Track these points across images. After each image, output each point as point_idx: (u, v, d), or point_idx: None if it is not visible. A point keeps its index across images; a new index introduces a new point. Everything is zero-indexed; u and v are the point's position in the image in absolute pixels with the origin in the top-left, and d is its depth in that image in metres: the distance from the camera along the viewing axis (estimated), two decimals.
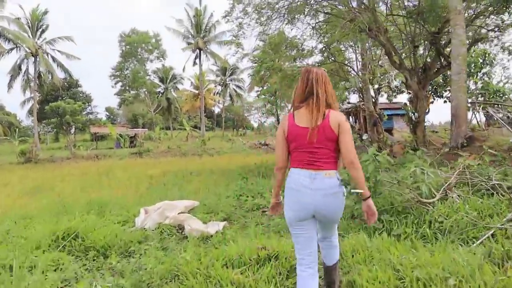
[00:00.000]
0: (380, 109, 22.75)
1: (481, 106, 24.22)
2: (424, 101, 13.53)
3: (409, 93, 36.11)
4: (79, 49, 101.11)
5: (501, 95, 26.20)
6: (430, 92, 21.78)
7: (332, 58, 18.31)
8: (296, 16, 15.28)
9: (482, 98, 26.18)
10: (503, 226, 4.27)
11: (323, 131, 2.68)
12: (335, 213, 2.79)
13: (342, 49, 20.78)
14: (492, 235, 4.15)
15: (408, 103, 14.58)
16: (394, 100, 36.68)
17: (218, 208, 6.23)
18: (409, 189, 5.06)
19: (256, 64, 17.97)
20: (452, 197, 5.18)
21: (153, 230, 5.02)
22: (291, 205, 2.77)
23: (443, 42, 12.68)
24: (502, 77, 30.44)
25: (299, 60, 17.37)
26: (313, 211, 2.73)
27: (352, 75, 22.81)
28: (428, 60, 13.71)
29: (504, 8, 11.25)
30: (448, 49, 12.62)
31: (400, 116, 33.93)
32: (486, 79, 28.30)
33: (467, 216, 4.46)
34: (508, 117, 20.08)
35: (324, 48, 17.45)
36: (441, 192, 5.18)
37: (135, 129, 46.81)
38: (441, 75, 18.43)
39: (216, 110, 73.42)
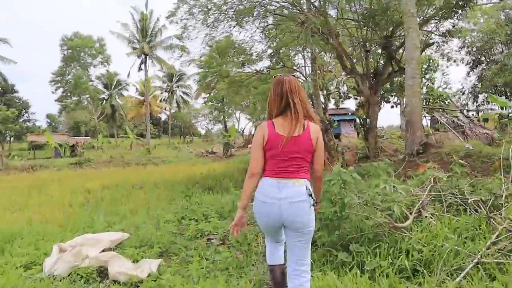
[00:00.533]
0: (329, 115, 22.47)
1: (427, 111, 24.73)
2: (376, 107, 13.17)
3: (356, 98, 36.48)
4: (16, 52, 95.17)
5: (444, 99, 26.79)
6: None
7: (281, 64, 17.72)
8: (245, 19, 14.52)
9: (427, 103, 26.74)
10: (488, 252, 3.67)
11: (304, 142, 2.74)
12: (303, 221, 2.75)
13: (291, 54, 20.32)
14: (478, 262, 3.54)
15: (359, 109, 14.22)
16: (341, 106, 37.00)
17: (154, 238, 5.16)
18: (380, 211, 4.32)
19: (201, 70, 16.96)
20: (426, 217, 4.52)
21: (64, 278, 3.86)
22: (260, 217, 2.84)
23: (394, 47, 12.35)
24: (441, 82, 31.31)
25: (247, 65, 16.60)
26: (281, 220, 2.75)
27: (302, 81, 22.42)
28: (380, 65, 13.37)
29: (453, 13, 11.05)
30: (400, 53, 12.35)
31: (347, 121, 34.17)
32: (430, 84, 29.05)
33: (447, 242, 3.81)
34: (453, 121, 20.45)
35: (273, 53, 16.81)
36: (414, 212, 4.50)
37: (77, 138, 44.13)
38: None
39: (163, 117, 71.45)
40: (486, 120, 23.33)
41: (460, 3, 10.88)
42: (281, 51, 16.99)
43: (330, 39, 11.89)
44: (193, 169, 17.11)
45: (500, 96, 35.93)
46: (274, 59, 17.39)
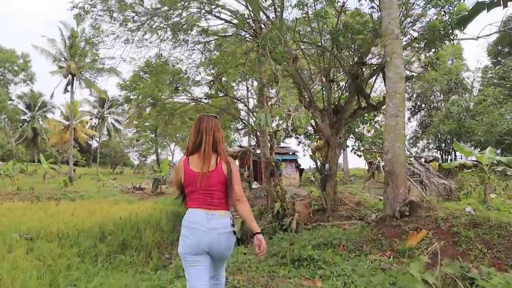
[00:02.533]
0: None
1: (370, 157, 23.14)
2: (337, 149, 10.76)
3: (297, 137, 34.55)
4: None
5: None
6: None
7: (223, 93, 15.07)
8: (182, 37, 11.81)
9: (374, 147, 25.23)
10: None
11: (216, 175, 3.01)
12: (227, 251, 3.06)
13: (233, 85, 17.87)
14: None
15: (315, 151, 11.77)
16: (282, 144, 34.95)
17: None
18: None
19: (124, 92, 13.77)
20: None
21: None
22: (187, 240, 2.99)
23: (363, 77, 10.03)
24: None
25: (181, 91, 13.71)
26: (208, 248, 2.96)
27: (243, 114, 19.89)
28: (342, 99, 11.07)
29: (437, 42, 9.03)
30: (370, 86, 10.12)
31: (288, 161, 32.04)
32: (378, 127, 27.72)
33: None
34: (408, 168, 18.71)
35: (212, 82, 14.16)
36: None
37: None
38: None
39: (95, 144, 65.85)
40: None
41: (442, 33, 8.90)
42: (221, 77, 14.42)
43: (285, 63, 9.42)
44: (113, 210, 13.73)
45: (443, 143, 35.80)
46: (213, 87, 14.76)
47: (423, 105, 40.33)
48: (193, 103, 15.05)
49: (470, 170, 14.25)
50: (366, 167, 41.73)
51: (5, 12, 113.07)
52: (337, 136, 10.67)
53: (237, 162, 28.41)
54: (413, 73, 10.74)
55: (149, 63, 13.10)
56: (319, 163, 11.09)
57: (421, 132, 38.40)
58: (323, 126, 10.37)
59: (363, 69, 9.63)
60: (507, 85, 29.37)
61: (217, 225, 2.94)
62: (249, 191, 18.64)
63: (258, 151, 22.06)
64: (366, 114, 16.68)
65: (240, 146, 22.69)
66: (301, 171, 34.29)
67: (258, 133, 15.36)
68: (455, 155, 35.44)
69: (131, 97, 13.27)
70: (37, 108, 55.73)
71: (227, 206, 3.06)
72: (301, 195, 15.20)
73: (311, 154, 13.44)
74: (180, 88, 13.27)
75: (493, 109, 26.56)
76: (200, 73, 13.89)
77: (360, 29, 8.95)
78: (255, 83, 19.18)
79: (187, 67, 12.98)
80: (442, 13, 8.87)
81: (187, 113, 16.45)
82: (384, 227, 7.35)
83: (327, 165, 10.69)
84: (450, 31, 8.90)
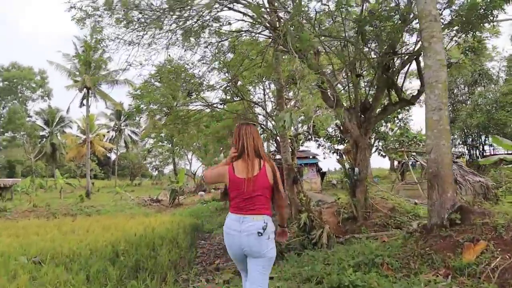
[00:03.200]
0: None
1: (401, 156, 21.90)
2: (366, 151, 9.74)
3: (317, 140, 33.32)
4: None
5: (419, 142, 24.10)
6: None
7: (239, 97, 14.19)
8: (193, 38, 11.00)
9: (400, 145, 23.99)
10: None
11: (261, 180, 3.16)
12: (258, 249, 3.11)
13: (249, 88, 16.99)
14: None
15: (343, 154, 10.78)
16: (302, 148, 33.83)
17: None
18: None
19: (135, 101, 12.97)
20: None
21: None
22: (226, 245, 3.28)
23: (394, 68, 8.97)
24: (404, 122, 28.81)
25: (195, 96, 12.86)
26: (240, 249, 3.17)
27: (261, 119, 18.99)
28: (370, 96, 10.07)
29: (478, 24, 7.97)
30: (400, 81, 9.11)
31: (309, 165, 30.96)
32: (402, 124, 26.49)
33: None
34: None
35: (227, 87, 13.31)
36: None
37: (4, 180, 38.12)
38: None
39: (113, 157, 65.73)
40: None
41: (482, 13, 7.84)
42: (237, 79, 13.58)
43: (307, 56, 8.50)
44: (129, 225, 12.99)
45: (469, 137, 34.18)
46: (229, 92, 13.93)
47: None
48: (208, 110, 14.21)
49: (510, 165, 13.03)
50: (389, 167, 40.36)
51: (24, 31, 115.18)
52: (366, 137, 9.65)
53: None
54: (450, 61, 9.59)
55: (160, 68, 12.32)
56: (347, 166, 10.10)
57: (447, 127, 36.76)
58: (351, 126, 9.37)
59: (395, 60, 8.61)
60: None
61: (247, 228, 3.08)
62: None
63: (278, 156, 21.13)
64: None
65: None
66: (322, 175, 33.19)
67: (278, 137, 14.40)
68: (483, 149, 33.85)
69: (141, 106, 12.46)
70: (55, 123, 56.10)
71: (268, 211, 3.18)
72: (326, 202, 14.18)
73: (338, 158, 12.37)
74: (193, 94, 12.45)
75: None
76: (213, 77, 13.12)
77: (388, 15, 7.96)
78: (272, 86, 18.33)
79: (199, 71, 12.15)
80: None
81: (201, 120, 15.64)
82: (432, 239, 6.29)
83: (356, 169, 9.67)
84: (490, 10, 7.84)
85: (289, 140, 13.72)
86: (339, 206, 11.09)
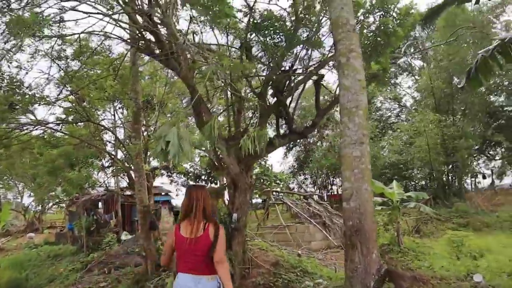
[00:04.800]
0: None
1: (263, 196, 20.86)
2: (247, 193, 7.86)
3: (169, 175, 30.75)
4: None
5: (277, 181, 23.36)
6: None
7: (85, 119, 11.24)
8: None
9: (260, 184, 22.98)
10: None
11: (203, 241, 3.12)
12: None
13: (98, 109, 14.09)
14: None
15: (214, 195, 8.77)
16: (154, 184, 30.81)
17: None
18: None
19: None
20: None
21: None
22: None
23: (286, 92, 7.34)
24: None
25: (21, 111, 9.56)
26: None
27: (109, 146, 16.02)
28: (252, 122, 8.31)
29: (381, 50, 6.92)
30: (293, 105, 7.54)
31: (161, 203, 28.19)
32: (262, 162, 25.74)
33: None
34: (308, 209, 16.63)
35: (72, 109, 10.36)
36: None
37: None
38: None
39: None
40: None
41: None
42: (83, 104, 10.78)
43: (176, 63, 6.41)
44: None
45: (319, 178, 35.43)
46: (72, 111, 10.94)
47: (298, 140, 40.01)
48: (40, 130, 10.90)
49: (379, 208, 12.68)
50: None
51: None
52: (247, 175, 7.78)
53: (100, 205, 23.76)
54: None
55: None
56: (221, 213, 8.08)
57: (297, 168, 37.77)
58: (230, 161, 7.42)
59: (290, 80, 6.98)
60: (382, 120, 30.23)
61: None
62: (117, 245, 14.53)
63: (128, 192, 18.13)
64: None
65: (107, 189, 18.25)
66: (176, 213, 30.58)
67: (132, 172, 11.72)
68: (331, 189, 35.31)
69: None
70: None
71: (215, 271, 3.12)
72: None
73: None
74: (18, 107, 9.19)
75: (373, 142, 26.69)
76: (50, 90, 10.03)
77: (278, 26, 6.39)
78: (125, 112, 15.62)
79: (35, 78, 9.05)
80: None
81: (31, 144, 12.16)
82: None
83: (234, 215, 7.67)
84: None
85: (145, 176, 11.16)
86: None
